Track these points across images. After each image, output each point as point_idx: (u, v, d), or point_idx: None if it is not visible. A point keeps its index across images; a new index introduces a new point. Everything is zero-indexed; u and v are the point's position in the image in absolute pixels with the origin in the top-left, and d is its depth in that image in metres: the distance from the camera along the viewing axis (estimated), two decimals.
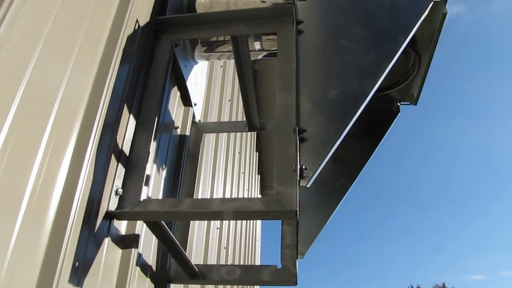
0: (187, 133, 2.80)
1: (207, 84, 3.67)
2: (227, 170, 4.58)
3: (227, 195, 4.52)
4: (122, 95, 1.90)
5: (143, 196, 1.85)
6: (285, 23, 2.16)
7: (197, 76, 2.96)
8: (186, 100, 2.80)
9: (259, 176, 7.84)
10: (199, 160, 2.92)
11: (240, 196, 5.32)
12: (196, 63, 2.89)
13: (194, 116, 2.92)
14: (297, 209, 1.64)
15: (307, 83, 2.00)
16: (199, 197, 3.29)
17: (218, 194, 4.02)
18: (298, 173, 1.71)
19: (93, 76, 1.68)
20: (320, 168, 1.78)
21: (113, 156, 1.81)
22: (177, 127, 2.69)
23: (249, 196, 6.42)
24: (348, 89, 1.98)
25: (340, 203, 2.81)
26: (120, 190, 1.83)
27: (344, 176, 2.86)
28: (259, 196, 7.90)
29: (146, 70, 2.15)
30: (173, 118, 2.62)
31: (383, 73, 2.02)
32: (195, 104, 2.89)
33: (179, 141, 2.72)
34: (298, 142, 1.77)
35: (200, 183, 3.37)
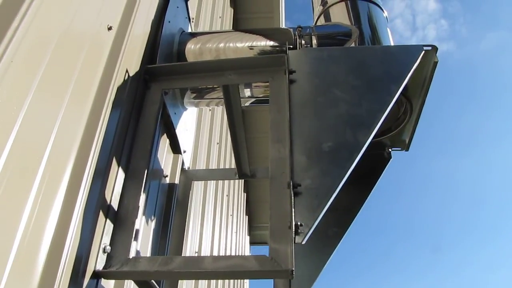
0: (176, 181, 2.74)
1: (196, 126, 3.63)
2: (216, 214, 4.50)
3: (216, 239, 4.43)
4: (111, 147, 1.84)
5: (132, 253, 1.77)
6: (277, 73, 2.15)
7: (187, 123, 2.91)
8: (175, 147, 2.75)
9: (247, 217, 7.75)
10: (188, 207, 2.85)
11: (229, 240, 5.23)
12: (185, 109, 2.85)
13: (183, 164, 2.86)
14: (293, 268, 1.58)
15: (301, 134, 1.96)
16: (188, 244, 3.21)
17: (206, 239, 3.94)
18: (293, 229, 1.65)
19: (82, 129, 1.63)
20: (316, 223, 1.72)
21: (101, 211, 1.74)
22: (166, 176, 2.63)
23: (238, 239, 6.32)
24: (342, 140, 1.95)
25: (334, 252, 2.74)
26: (108, 248, 1.75)
27: (336, 224, 2.80)
28: (247, 237, 7.79)
29: (136, 120, 2.11)
30: (162, 167, 2.56)
31: (377, 123, 1.99)
32: (184, 151, 2.84)
33: (168, 189, 2.65)
34: (292, 197, 1.72)
35: (189, 228, 3.30)
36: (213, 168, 4.30)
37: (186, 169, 2.91)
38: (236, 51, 2.72)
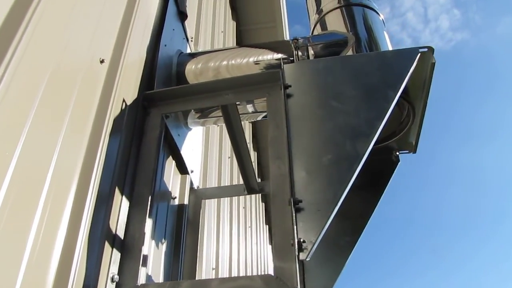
0: (186, 201, 2.75)
1: (204, 143, 3.65)
2: (232, 227, 4.51)
3: (234, 253, 4.43)
4: (113, 176, 1.87)
5: (141, 280, 1.79)
6: (273, 89, 2.15)
7: (192, 142, 2.93)
8: (182, 168, 2.77)
9: (267, 226, 7.74)
10: (200, 225, 2.87)
11: (249, 252, 5.23)
12: (190, 129, 2.87)
13: (192, 183, 2.88)
14: (298, 287, 1.58)
15: (300, 149, 1.96)
16: (204, 262, 3.22)
17: (224, 255, 3.95)
18: (297, 247, 1.65)
19: (80, 161, 1.66)
20: (319, 239, 1.72)
21: (107, 241, 1.76)
22: (175, 197, 2.65)
23: (259, 250, 6.31)
24: (341, 152, 1.94)
25: (348, 260, 2.73)
26: (116, 277, 1.78)
27: (348, 232, 2.78)
28: (270, 246, 7.77)
29: (137, 147, 2.13)
30: (169, 189, 2.58)
31: (376, 132, 1.98)
32: (192, 171, 2.86)
33: (177, 210, 2.67)
34: (294, 214, 1.72)
35: (204, 246, 3.31)
36: (227, 183, 4.32)
37: (196, 188, 2.93)
38: (240, 68, 2.73)
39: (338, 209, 3.04)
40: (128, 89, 2.10)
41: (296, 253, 1.64)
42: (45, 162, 1.45)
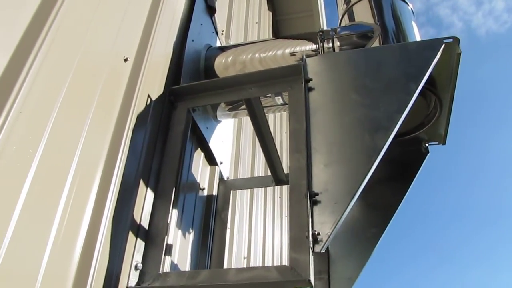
0: (214, 192, 2.82)
1: (236, 134, 3.71)
2: (267, 217, 4.57)
3: (268, 243, 4.50)
4: (137, 169, 1.95)
5: (164, 269, 1.87)
6: (295, 82, 2.18)
7: (222, 134, 3.00)
8: (210, 160, 2.84)
9: None
10: (230, 215, 2.94)
11: (285, 241, 5.28)
12: (219, 121, 2.94)
13: (221, 175, 2.95)
14: (312, 278, 1.62)
15: (319, 141, 1.98)
16: (235, 252, 3.29)
17: (256, 244, 4.01)
18: (311, 239, 1.69)
19: (105, 152, 1.75)
20: (335, 231, 1.75)
21: (131, 231, 1.85)
22: (203, 188, 2.72)
23: None
24: (360, 145, 1.95)
25: (373, 253, 2.73)
26: (140, 265, 1.86)
27: (374, 224, 2.79)
28: None
29: (163, 141, 2.21)
30: (198, 180, 2.66)
31: (395, 125, 1.98)
32: (221, 163, 2.92)
33: (206, 201, 2.74)
34: (309, 207, 1.75)
35: (235, 235, 3.38)
36: (261, 173, 4.36)
37: (226, 179, 2.99)
38: (275, 59, 2.76)
39: (366, 200, 3.05)
40: (153, 85, 2.18)
41: (311, 245, 1.67)
42: (69, 153, 1.54)
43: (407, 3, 2.91)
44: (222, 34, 3.40)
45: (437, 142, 2.87)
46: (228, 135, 3.15)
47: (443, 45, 2.22)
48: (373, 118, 2.03)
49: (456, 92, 2.47)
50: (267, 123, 2.50)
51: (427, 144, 2.87)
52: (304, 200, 1.79)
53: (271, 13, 6.10)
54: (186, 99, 2.34)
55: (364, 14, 2.89)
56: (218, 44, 3.16)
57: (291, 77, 2.20)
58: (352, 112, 2.07)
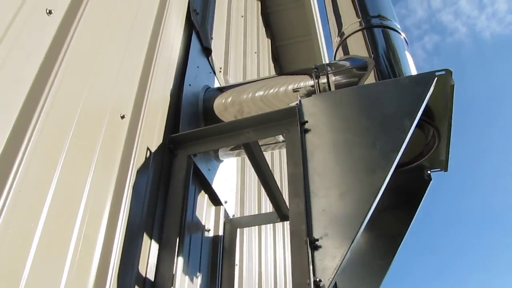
0: (220, 232, 2.84)
1: (240, 171, 3.74)
2: (276, 249, 4.57)
3: (280, 276, 4.49)
4: (140, 219, 1.98)
5: None
6: (291, 125, 2.21)
7: (225, 173, 3.03)
8: (215, 200, 2.86)
9: None
10: (237, 253, 2.96)
11: None
12: (222, 161, 2.97)
13: (226, 213, 2.97)
14: None
15: (317, 185, 2.00)
16: (245, 286, 3.30)
17: (268, 277, 4.01)
18: (313, 286, 1.70)
19: (108, 206, 1.78)
20: (335, 276, 1.76)
21: (137, 285, 1.87)
22: (209, 230, 2.75)
23: None
24: (358, 187, 1.97)
25: (383, 282, 2.73)
26: None
27: (382, 253, 2.79)
28: None
29: (165, 189, 2.24)
30: (203, 222, 2.68)
31: (392, 164, 1.99)
32: (225, 202, 2.95)
33: (212, 242, 2.76)
34: (310, 254, 1.77)
35: (244, 271, 3.39)
36: (268, 208, 4.35)
37: (231, 217, 3.01)
38: (277, 97, 2.79)
39: (372, 230, 3.05)
40: (151, 137, 2.22)
41: None
42: (72, 214, 1.58)
43: (399, 33, 2.94)
44: (220, 71, 3.45)
45: (439, 169, 2.88)
46: (232, 173, 3.18)
47: (436, 78, 2.25)
48: (370, 157, 2.05)
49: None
50: (267, 163, 2.53)
51: (429, 172, 2.88)
52: (304, 246, 1.80)
53: (269, 40, 6.17)
54: (185, 146, 2.38)
55: (358, 47, 2.93)
56: (216, 84, 3.21)
57: (287, 120, 2.23)
58: (349, 153, 2.09)
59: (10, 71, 1.40)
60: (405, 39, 2.96)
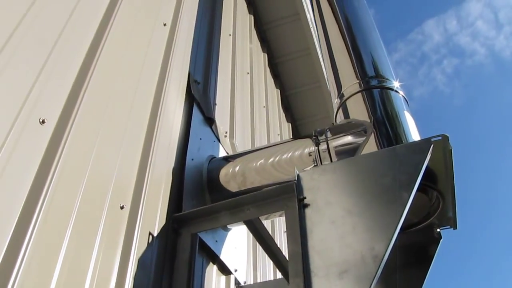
0: None
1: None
2: None
3: None
4: None
5: None
6: (290, 200, 2.23)
7: (234, 241, 3.04)
8: (224, 270, 2.87)
9: None
10: None
11: None
12: (230, 230, 2.98)
13: (237, 281, 2.97)
14: None
15: (317, 264, 2.00)
16: None
17: None
18: None
19: None
20: None
21: None
22: None
23: None
24: (359, 264, 1.96)
25: None
26: None
27: None
28: None
29: (170, 271, 2.26)
30: None
31: (392, 237, 1.98)
32: (235, 270, 2.95)
33: None
34: None
35: None
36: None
37: (242, 284, 3.01)
38: (291, 161, 2.82)
39: None
40: (153, 220, 2.25)
41: None
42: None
43: (398, 92, 2.96)
44: (226, 136, 3.50)
45: (448, 227, 2.85)
46: (241, 240, 3.18)
47: (432, 145, 2.25)
48: (369, 233, 2.05)
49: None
50: (270, 236, 2.54)
51: (438, 230, 2.85)
52: None
53: (279, 90, 6.24)
54: (189, 225, 2.41)
55: (357, 109, 2.95)
56: (221, 151, 3.26)
57: (286, 196, 2.25)
58: (348, 228, 2.09)
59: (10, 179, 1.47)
60: (404, 97, 2.98)
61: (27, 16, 1.76)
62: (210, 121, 3.16)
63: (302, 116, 6.76)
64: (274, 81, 6.14)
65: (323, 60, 3.69)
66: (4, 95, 1.55)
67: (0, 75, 1.56)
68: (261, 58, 5.77)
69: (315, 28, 4.13)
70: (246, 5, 5.60)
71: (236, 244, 3.06)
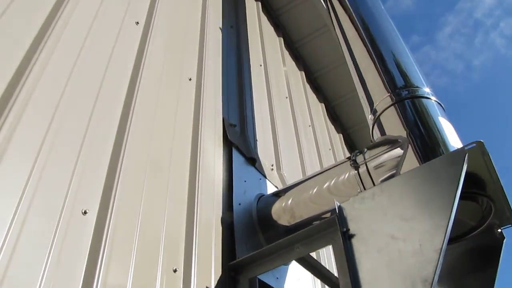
0: None
1: None
2: None
3: None
4: None
5: None
6: (335, 233, 2.26)
7: (297, 272, 3.08)
8: None
9: None
10: None
11: None
12: (289, 263, 3.04)
13: None
14: None
15: None
16: None
17: None
18: None
19: None
20: None
21: None
22: None
23: None
24: (410, 286, 1.96)
25: None
26: None
27: None
28: None
29: None
30: None
31: (439, 257, 1.97)
32: None
33: None
34: None
35: None
36: None
37: None
38: (337, 189, 2.86)
39: None
40: (208, 275, 2.33)
41: None
42: None
43: (429, 98, 2.93)
44: (272, 169, 3.57)
45: (509, 225, 2.78)
46: (304, 270, 3.22)
47: (466, 154, 2.22)
48: (416, 255, 2.04)
49: None
50: (326, 269, 2.57)
51: (500, 230, 2.79)
52: None
53: (323, 104, 6.25)
54: (245, 270, 2.49)
55: (392, 124, 2.94)
56: (269, 186, 3.33)
57: (331, 229, 2.29)
58: (394, 254, 2.09)
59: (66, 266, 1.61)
60: (437, 102, 2.95)
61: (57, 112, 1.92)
62: (252, 160, 3.24)
63: (352, 123, 6.73)
64: (317, 96, 6.17)
65: (352, 75, 3.69)
66: (49, 191, 1.70)
67: (43, 171, 1.72)
68: (298, 76, 5.81)
69: (339, 43, 4.13)
70: (273, 29, 5.69)
71: (299, 275, 3.11)
